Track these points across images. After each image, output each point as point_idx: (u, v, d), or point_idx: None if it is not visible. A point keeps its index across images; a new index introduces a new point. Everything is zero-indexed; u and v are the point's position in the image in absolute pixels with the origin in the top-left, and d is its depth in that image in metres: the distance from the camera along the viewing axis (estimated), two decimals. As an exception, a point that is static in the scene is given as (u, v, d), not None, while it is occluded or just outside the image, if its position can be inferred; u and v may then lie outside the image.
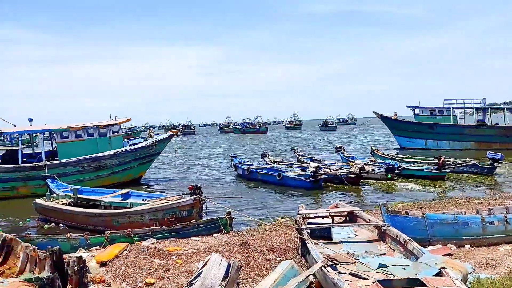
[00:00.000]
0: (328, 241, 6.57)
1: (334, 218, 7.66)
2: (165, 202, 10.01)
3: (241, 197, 12.33)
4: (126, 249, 7.48)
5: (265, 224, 9.48)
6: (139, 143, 18.43)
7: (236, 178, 18.95)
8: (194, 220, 9.11)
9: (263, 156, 21.62)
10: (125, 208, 10.60)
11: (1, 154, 16.89)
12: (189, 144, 49.24)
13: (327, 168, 16.72)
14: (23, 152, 16.49)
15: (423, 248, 5.64)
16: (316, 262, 5.14)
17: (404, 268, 5.10)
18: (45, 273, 5.90)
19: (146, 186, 17.65)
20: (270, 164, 19.17)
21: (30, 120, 17.54)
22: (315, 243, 6.10)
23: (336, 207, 8.18)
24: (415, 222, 7.17)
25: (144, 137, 19.73)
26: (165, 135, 19.39)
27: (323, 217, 7.63)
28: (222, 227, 8.89)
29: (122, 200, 11.43)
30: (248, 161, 20.99)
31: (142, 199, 11.17)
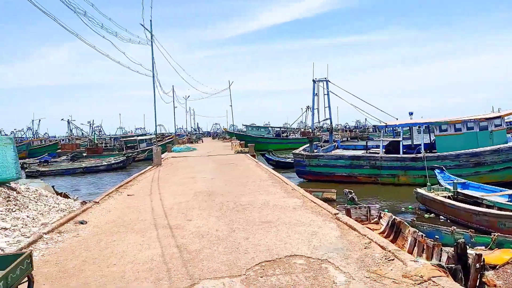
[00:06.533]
0: None
1: None
2: None
3: None
4: (518, 258, 6.63)
5: None
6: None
7: None
8: None
9: None
10: (512, 211, 9.42)
11: (385, 144, 18.97)
12: None
13: None
14: (403, 144, 17.94)
15: None
16: None
17: None
18: (434, 261, 6.19)
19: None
20: None
21: (411, 114, 18.79)
22: None
23: None
24: None
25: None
26: None
27: None
28: None
29: (509, 201, 10.23)
30: None
31: (534, 204, 9.58)
